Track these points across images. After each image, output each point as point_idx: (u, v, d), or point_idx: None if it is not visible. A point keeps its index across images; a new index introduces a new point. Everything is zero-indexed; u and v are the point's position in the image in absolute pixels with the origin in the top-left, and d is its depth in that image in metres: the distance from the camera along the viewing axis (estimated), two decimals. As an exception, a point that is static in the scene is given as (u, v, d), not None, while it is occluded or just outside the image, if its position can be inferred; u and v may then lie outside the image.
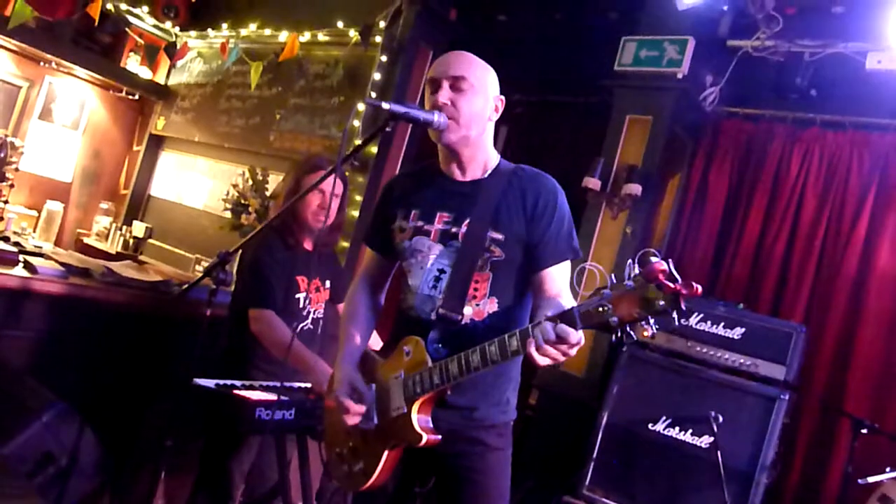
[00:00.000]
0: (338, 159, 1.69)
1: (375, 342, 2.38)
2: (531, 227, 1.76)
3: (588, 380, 3.96)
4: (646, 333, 1.37)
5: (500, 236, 1.75)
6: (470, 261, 1.75)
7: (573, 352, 1.45)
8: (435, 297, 1.77)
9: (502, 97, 1.85)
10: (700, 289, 1.31)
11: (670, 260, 1.33)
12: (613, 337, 1.39)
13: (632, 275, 1.36)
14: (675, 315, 1.32)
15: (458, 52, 1.82)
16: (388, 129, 1.69)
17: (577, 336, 1.42)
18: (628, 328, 1.37)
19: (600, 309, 1.38)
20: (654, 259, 1.33)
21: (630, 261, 1.38)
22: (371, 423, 1.78)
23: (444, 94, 1.74)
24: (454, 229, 1.78)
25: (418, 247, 1.82)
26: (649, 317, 1.34)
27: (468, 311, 1.75)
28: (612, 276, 1.42)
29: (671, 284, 1.30)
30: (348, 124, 1.54)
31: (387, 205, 1.94)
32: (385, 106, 1.63)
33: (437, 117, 1.71)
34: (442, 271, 1.78)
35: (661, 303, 1.31)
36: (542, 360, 1.47)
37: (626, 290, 1.36)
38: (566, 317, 1.43)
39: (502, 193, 1.78)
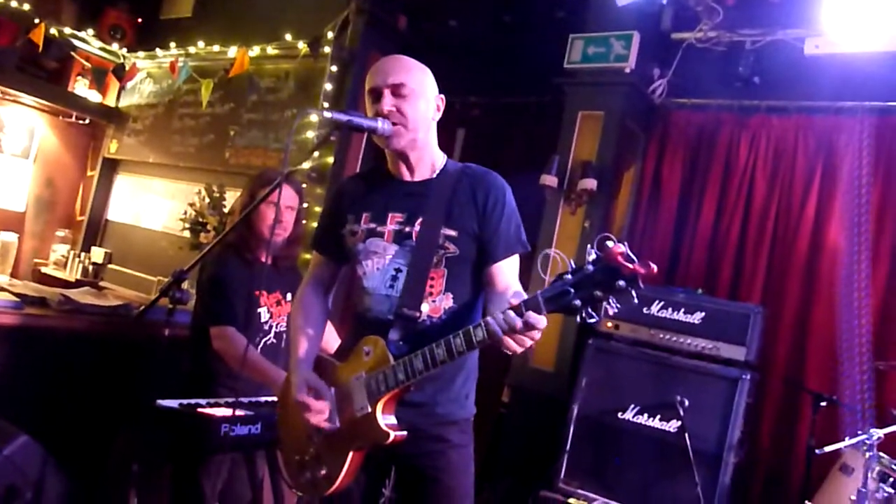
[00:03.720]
0: (282, 172, 1.69)
1: (330, 345, 2.39)
2: (483, 222, 1.80)
3: (558, 374, 4.01)
4: (610, 313, 1.43)
5: (453, 232, 1.78)
6: (425, 258, 1.78)
7: (538, 336, 1.50)
8: (392, 297, 1.79)
9: (442, 96, 1.88)
10: (655, 268, 1.38)
11: (626, 243, 1.39)
12: (578, 318, 1.44)
13: (591, 259, 1.42)
14: (633, 293, 1.38)
15: (393, 57, 1.85)
16: (332, 139, 1.70)
17: (544, 321, 1.47)
18: (590, 309, 1.43)
19: (563, 293, 1.43)
20: (610, 243, 1.40)
21: (589, 246, 1.44)
22: (333, 427, 1.78)
23: (388, 102, 1.76)
24: (407, 228, 1.80)
25: (373, 248, 1.83)
26: (611, 297, 1.40)
27: (425, 308, 1.78)
28: (572, 261, 1.48)
29: (629, 265, 1.37)
30: (290, 138, 1.53)
31: (337, 209, 1.95)
32: (327, 115, 1.65)
33: (381, 124, 1.73)
34: (398, 270, 1.80)
35: (622, 283, 1.38)
36: (513, 346, 1.52)
37: (586, 274, 1.42)
38: (531, 303, 1.48)
39: (453, 191, 1.82)
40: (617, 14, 4.10)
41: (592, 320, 1.44)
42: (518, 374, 4.15)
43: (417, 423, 1.77)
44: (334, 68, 4.34)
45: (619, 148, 4.22)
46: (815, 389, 3.35)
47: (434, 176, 1.86)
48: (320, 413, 1.76)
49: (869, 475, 2.77)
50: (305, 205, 3.54)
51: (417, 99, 1.79)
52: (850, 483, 2.97)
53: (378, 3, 4.41)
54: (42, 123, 6.07)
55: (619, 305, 1.41)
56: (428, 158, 1.87)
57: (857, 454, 2.92)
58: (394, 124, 1.75)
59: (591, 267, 1.42)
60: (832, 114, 3.90)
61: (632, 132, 4.40)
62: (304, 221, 2.91)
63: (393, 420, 1.72)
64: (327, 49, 4.36)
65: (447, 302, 1.80)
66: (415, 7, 4.81)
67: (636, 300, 1.38)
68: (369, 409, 1.71)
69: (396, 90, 1.77)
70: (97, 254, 5.86)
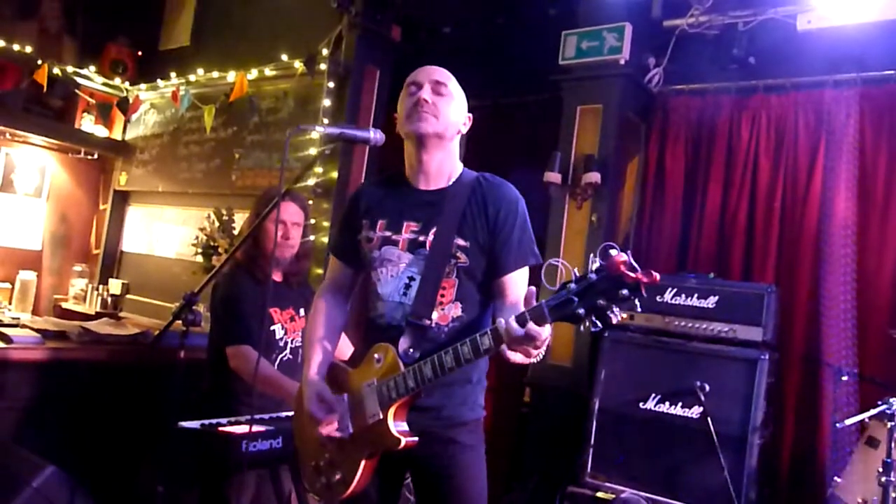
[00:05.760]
0: (279, 191, 1.72)
1: (344, 351, 2.42)
2: (494, 235, 1.83)
3: (577, 369, 4.01)
4: (613, 321, 1.45)
5: (465, 243, 1.81)
6: (438, 268, 1.80)
7: (542, 346, 1.53)
8: (405, 304, 1.82)
9: (470, 115, 1.95)
10: (658, 276, 1.40)
11: (629, 251, 1.42)
12: (581, 327, 1.47)
13: (594, 268, 1.44)
14: (636, 302, 1.41)
15: (438, 67, 1.93)
16: (326, 153, 1.73)
17: (546, 332, 1.49)
18: (594, 318, 1.45)
19: (567, 301, 1.45)
20: (613, 252, 1.42)
21: (592, 255, 1.46)
22: (347, 433, 1.81)
23: (427, 92, 1.83)
24: (421, 238, 1.83)
25: (388, 256, 1.86)
26: (614, 305, 1.43)
27: (435, 316, 1.81)
28: (576, 270, 1.50)
29: (632, 274, 1.39)
30: (285, 157, 1.57)
31: (353, 215, 1.98)
32: (320, 129, 1.68)
33: (372, 134, 1.77)
34: (412, 279, 1.82)
35: (625, 291, 1.40)
36: (514, 357, 1.55)
37: (590, 283, 1.44)
38: (536, 312, 1.49)
39: (466, 202, 1.84)
40: (608, 7, 4.13)
41: (596, 329, 1.46)
42: (537, 373, 4.14)
43: (427, 427, 1.80)
44: (331, 84, 4.39)
45: (620, 139, 4.23)
46: (835, 363, 3.33)
47: (449, 185, 1.89)
48: (330, 424, 1.80)
49: (893, 445, 2.74)
50: (312, 220, 3.59)
51: (453, 101, 1.87)
52: (878, 455, 2.94)
53: (370, 16, 4.45)
54: (52, 161, 6.17)
55: (623, 315, 1.43)
56: (447, 167, 1.90)
57: (881, 425, 2.89)
58: (426, 113, 1.81)
59: (594, 276, 1.44)
60: (829, 87, 3.89)
61: (632, 123, 4.41)
62: (311, 237, 2.95)
63: (404, 426, 1.75)
64: (323, 66, 4.40)
65: (456, 311, 1.83)
66: (407, 17, 4.85)
67: (639, 308, 1.41)
68: (381, 416, 1.74)
69: (437, 87, 1.85)
70: (115, 285, 5.94)
